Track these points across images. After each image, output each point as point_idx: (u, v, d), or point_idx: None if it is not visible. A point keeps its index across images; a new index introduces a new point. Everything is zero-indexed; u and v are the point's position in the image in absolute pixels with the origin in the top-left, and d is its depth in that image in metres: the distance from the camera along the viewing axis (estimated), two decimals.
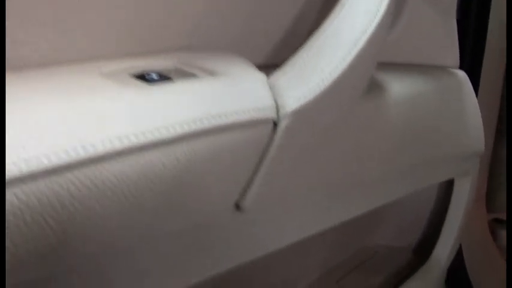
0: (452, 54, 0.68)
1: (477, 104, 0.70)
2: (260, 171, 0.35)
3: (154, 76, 0.37)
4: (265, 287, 0.61)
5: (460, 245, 1.05)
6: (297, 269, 0.65)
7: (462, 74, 0.64)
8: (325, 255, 0.70)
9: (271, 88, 0.38)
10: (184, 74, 0.39)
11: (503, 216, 1.18)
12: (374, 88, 0.47)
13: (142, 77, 0.35)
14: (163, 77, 0.37)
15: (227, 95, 0.34)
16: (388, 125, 0.48)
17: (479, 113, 0.70)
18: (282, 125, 0.36)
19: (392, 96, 0.48)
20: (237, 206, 0.35)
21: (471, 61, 0.89)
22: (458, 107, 0.62)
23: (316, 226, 0.48)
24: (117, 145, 0.27)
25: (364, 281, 0.68)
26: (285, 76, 0.39)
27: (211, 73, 0.38)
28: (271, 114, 0.36)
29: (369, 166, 0.45)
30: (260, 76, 0.39)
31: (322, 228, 0.48)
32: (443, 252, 0.70)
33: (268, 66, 0.43)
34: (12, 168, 0.25)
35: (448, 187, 0.74)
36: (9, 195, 0.25)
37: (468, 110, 0.65)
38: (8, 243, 0.25)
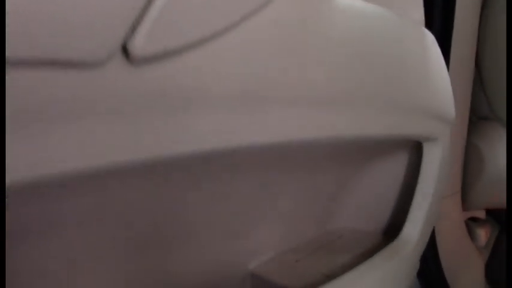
0: (416, 8, 0.65)
1: (446, 69, 0.67)
2: None
3: None
4: (213, 265, 0.55)
5: (436, 246, 1.01)
6: (250, 246, 0.59)
7: (429, 34, 0.60)
8: (283, 235, 0.64)
9: None
10: None
11: (479, 214, 1.15)
12: None
13: None
14: None
15: None
16: (344, 35, 0.43)
17: (448, 78, 0.67)
18: None
19: (352, 10, 0.44)
20: (125, 51, 0.27)
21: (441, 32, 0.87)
22: (423, 60, 0.59)
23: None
24: None
25: (327, 261, 0.63)
26: None
27: None
28: None
29: (314, 76, 0.40)
30: None
31: None
32: (412, 231, 0.66)
33: None
34: None
35: (416, 164, 0.69)
36: None
37: (435, 69, 0.62)
38: None
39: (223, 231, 0.57)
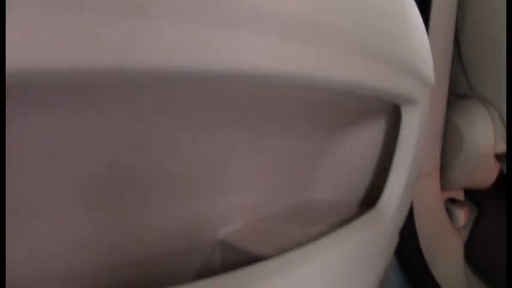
0: None
1: (425, 30, 0.65)
2: None
3: None
4: (177, 230, 0.52)
5: (414, 225, 0.99)
6: (218, 212, 0.56)
7: None
8: (254, 203, 0.61)
9: None
10: None
11: (458, 196, 1.14)
12: None
13: None
14: None
15: None
16: None
17: (427, 40, 0.65)
18: None
19: None
20: None
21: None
22: (403, 12, 0.57)
23: None
24: None
25: (301, 231, 0.60)
26: None
27: None
28: None
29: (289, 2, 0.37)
30: None
31: None
32: (390, 200, 0.64)
33: None
34: None
35: (394, 132, 0.67)
36: None
37: (415, 25, 0.60)
38: None
39: (189, 191, 0.54)
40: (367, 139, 0.73)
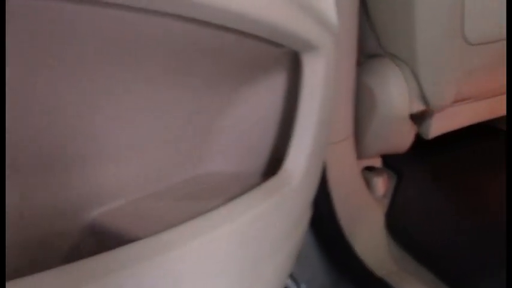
0: None
1: None
2: None
3: None
4: (40, 215, 0.42)
5: (330, 195, 0.94)
6: (91, 189, 0.47)
7: None
8: (137, 177, 0.53)
9: None
10: None
11: (375, 163, 1.10)
12: None
13: None
14: None
15: None
16: None
17: None
18: None
19: None
20: None
21: None
22: None
23: None
24: None
25: (192, 209, 0.52)
26: None
27: None
28: None
29: None
30: None
31: None
32: (296, 164, 0.57)
33: None
34: None
35: (294, 87, 0.61)
36: None
37: None
38: None
39: (51, 161, 0.44)
40: (267, 98, 0.66)
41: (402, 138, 1.02)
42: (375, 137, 1.00)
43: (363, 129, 1.01)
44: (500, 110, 1.15)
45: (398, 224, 1.02)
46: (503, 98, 1.12)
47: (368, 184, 1.07)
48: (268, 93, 0.65)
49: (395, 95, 0.95)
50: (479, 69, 0.96)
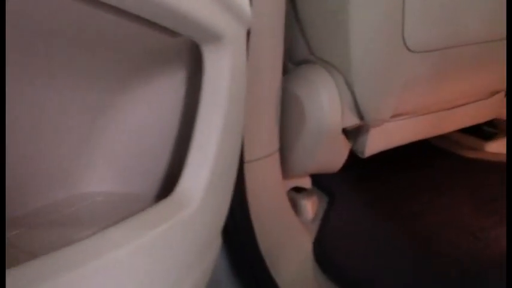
0: None
1: None
2: None
3: None
4: None
5: (250, 220, 0.82)
6: None
7: None
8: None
9: None
10: None
11: (304, 183, 0.98)
12: None
13: None
14: None
15: None
16: None
17: None
18: None
19: None
20: None
21: None
22: None
23: None
24: None
25: (57, 236, 0.39)
26: None
27: None
28: None
29: None
30: None
31: None
32: (192, 185, 0.45)
33: None
34: None
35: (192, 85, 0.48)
36: None
37: None
38: None
39: None
40: (165, 99, 0.53)
41: (334, 156, 0.91)
42: (303, 154, 0.89)
43: (289, 145, 0.90)
44: (445, 127, 1.07)
45: (327, 253, 0.91)
46: (448, 114, 1.03)
47: (295, 207, 0.96)
48: (165, 94, 0.52)
49: (327, 106, 0.85)
50: (422, 81, 0.88)
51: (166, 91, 0.52)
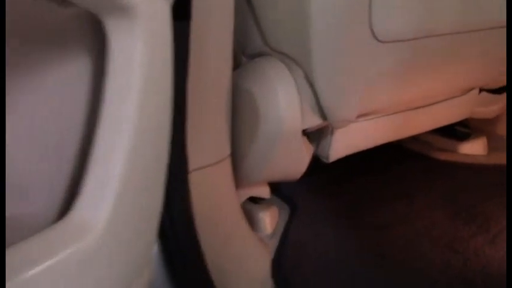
0: None
1: None
2: None
3: None
4: None
5: (196, 237, 0.71)
6: None
7: None
8: None
9: None
10: None
11: (262, 193, 0.87)
12: None
13: None
14: None
15: None
16: None
17: None
18: None
19: None
20: None
21: None
22: None
23: None
24: None
25: None
26: None
27: None
28: None
29: None
30: None
31: None
32: (92, 209, 0.33)
33: None
34: None
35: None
36: None
37: None
38: None
39: None
40: (63, 92, 0.41)
41: (294, 162, 0.81)
42: (258, 160, 0.79)
43: (243, 150, 0.79)
44: (417, 127, 1.01)
45: (288, 273, 0.80)
46: (420, 114, 0.98)
47: (252, 220, 0.84)
48: (67, 87, 0.40)
49: (284, 105, 0.78)
50: (392, 75, 0.82)
51: (67, 83, 0.40)
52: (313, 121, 0.80)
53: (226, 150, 0.78)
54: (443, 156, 1.22)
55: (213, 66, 0.72)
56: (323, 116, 0.80)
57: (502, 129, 1.25)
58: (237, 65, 0.85)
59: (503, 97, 1.13)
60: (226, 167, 0.79)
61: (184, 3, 0.65)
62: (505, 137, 1.23)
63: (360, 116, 0.85)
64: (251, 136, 0.80)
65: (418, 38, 0.80)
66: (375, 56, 0.77)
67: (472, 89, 1.06)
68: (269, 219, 0.89)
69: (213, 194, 0.78)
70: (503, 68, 0.97)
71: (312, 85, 0.77)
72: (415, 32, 0.78)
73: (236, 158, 0.82)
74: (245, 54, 0.89)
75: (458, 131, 1.24)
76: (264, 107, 0.78)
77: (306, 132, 0.83)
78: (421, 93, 0.93)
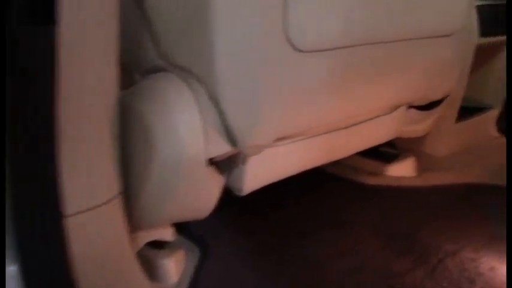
0: None
1: None
2: None
3: None
4: None
5: None
6: None
7: None
8: None
9: None
10: None
11: (165, 234, 0.73)
12: None
13: None
14: None
15: None
16: None
17: None
18: None
19: None
20: None
21: None
22: None
23: None
24: None
25: None
26: None
27: None
28: None
29: None
30: None
31: None
32: None
33: None
34: None
35: None
36: None
37: None
38: None
39: None
40: None
41: (200, 198, 0.69)
42: (156, 197, 0.68)
43: (136, 186, 0.67)
44: (342, 150, 0.93)
45: None
46: (345, 135, 0.89)
47: (153, 268, 0.71)
48: None
49: (184, 130, 0.66)
50: (312, 90, 0.72)
51: None
52: (221, 148, 0.68)
53: (115, 187, 0.64)
54: (370, 180, 1.14)
55: (92, 84, 0.58)
56: (232, 141, 0.68)
57: (431, 147, 1.18)
58: (129, 84, 0.71)
59: (432, 114, 1.06)
60: (115, 208, 0.65)
61: (47, 4, 0.51)
62: (434, 156, 1.16)
63: (277, 140, 0.73)
64: (146, 169, 0.67)
65: (342, 47, 0.70)
66: (293, 69, 0.67)
67: (399, 105, 0.97)
68: (174, 266, 0.78)
69: (99, 240, 0.64)
70: (431, 83, 0.90)
71: (217, 105, 0.66)
72: (338, 40, 0.69)
73: (130, 196, 0.68)
74: (139, 70, 0.75)
75: (385, 152, 1.16)
76: (159, 134, 0.65)
77: (213, 161, 0.70)
78: (346, 111, 0.84)
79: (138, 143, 0.68)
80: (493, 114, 1.37)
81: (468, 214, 1.01)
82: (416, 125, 1.09)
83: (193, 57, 0.68)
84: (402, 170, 1.16)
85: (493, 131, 1.43)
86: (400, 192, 1.09)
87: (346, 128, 0.90)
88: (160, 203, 0.71)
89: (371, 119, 0.95)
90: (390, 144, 1.15)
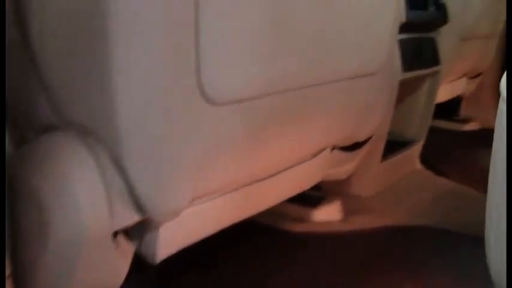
0: None
1: None
2: None
3: None
4: None
5: None
6: None
7: None
8: None
9: None
10: None
11: None
12: None
13: None
14: None
15: None
16: None
17: None
18: None
19: None
20: None
21: None
22: None
23: None
24: None
25: None
26: None
27: None
28: None
29: None
30: None
31: None
32: None
33: None
34: None
35: None
36: None
37: None
38: None
39: None
40: None
41: (105, 273, 0.59)
42: (51, 280, 0.56)
43: (29, 269, 0.55)
44: (265, 201, 0.86)
45: None
46: (267, 185, 0.83)
47: None
48: None
49: (83, 201, 0.56)
50: (229, 144, 0.67)
51: None
52: (128, 218, 0.60)
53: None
54: (296, 228, 1.07)
55: None
56: (141, 210, 0.59)
57: (356, 188, 1.14)
58: (21, 142, 0.62)
59: (357, 154, 1.02)
60: None
61: None
62: (361, 198, 1.12)
63: (193, 199, 0.65)
64: (38, 250, 0.56)
65: (260, 97, 0.64)
66: (207, 124, 0.60)
67: (323, 149, 0.92)
68: None
69: None
70: (355, 123, 0.86)
71: (122, 170, 0.57)
72: (255, 89, 0.63)
73: (21, 280, 0.58)
74: (32, 126, 0.66)
75: (310, 195, 1.11)
76: (53, 208, 0.56)
77: (120, 230, 0.61)
78: (268, 161, 0.78)
79: (29, 220, 0.58)
80: (418, 147, 1.36)
81: (390, 261, 0.96)
82: (341, 167, 1.05)
83: (92, 112, 0.59)
84: (328, 214, 1.11)
85: (417, 164, 1.42)
86: (326, 240, 1.03)
87: (268, 177, 0.84)
88: (56, 285, 0.61)
89: (294, 165, 0.89)
90: (316, 186, 1.10)
